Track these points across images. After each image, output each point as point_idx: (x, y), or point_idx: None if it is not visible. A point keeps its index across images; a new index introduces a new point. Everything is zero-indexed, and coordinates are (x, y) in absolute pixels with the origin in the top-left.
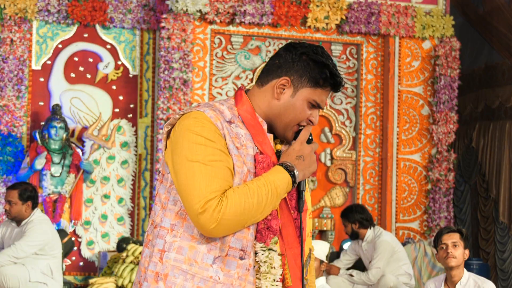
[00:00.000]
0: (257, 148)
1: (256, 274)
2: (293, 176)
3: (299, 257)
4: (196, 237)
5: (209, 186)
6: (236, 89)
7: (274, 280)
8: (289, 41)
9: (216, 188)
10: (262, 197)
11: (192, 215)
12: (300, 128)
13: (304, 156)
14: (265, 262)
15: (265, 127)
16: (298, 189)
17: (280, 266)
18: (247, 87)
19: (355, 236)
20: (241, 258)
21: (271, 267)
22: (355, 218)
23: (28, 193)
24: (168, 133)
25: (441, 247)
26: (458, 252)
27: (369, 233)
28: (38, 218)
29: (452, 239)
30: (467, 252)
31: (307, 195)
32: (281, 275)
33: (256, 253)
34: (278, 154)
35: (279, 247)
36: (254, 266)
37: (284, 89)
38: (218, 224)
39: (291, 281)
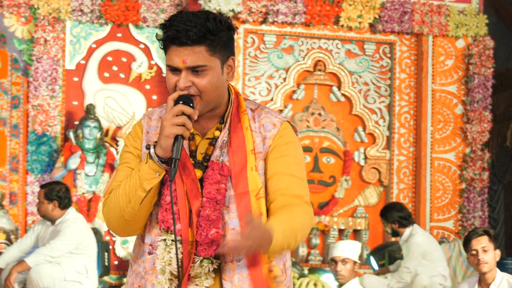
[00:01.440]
0: None
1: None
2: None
3: (186, 250)
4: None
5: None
6: (270, 88)
7: (169, 271)
8: (322, 40)
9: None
10: (125, 186)
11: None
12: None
13: (162, 126)
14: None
15: None
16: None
17: (172, 257)
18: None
19: (395, 234)
20: (150, 253)
21: (162, 258)
22: (394, 218)
23: (55, 193)
24: None
25: (471, 253)
26: (489, 256)
27: (407, 232)
28: (72, 217)
29: (481, 243)
30: (498, 252)
31: (254, 175)
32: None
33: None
34: (192, 136)
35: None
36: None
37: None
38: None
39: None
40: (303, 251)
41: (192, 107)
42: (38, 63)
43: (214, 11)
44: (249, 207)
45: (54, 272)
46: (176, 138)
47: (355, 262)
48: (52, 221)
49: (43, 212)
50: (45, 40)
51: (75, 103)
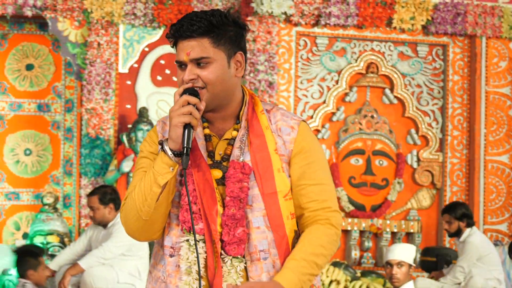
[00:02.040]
0: None
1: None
2: (162, 148)
3: (210, 247)
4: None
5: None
6: (322, 91)
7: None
8: (375, 42)
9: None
10: (141, 184)
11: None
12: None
13: (169, 118)
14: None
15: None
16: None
17: (190, 256)
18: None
19: (454, 234)
20: (171, 256)
21: (186, 258)
22: (462, 215)
23: (108, 196)
24: None
25: None
26: None
27: (466, 232)
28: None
29: None
30: None
31: (282, 176)
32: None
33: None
34: (209, 137)
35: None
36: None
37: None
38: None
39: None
40: (355, 254)
41: (198, 98)
42: (92, 66)
43: (266, 14)
44: (278, 208)
45: (107, 275)
46: (185, 128)
47: (410, 265)
48: (105, 225)
49: (100, 218)
50: (99, 44)
51: (128, 106)
